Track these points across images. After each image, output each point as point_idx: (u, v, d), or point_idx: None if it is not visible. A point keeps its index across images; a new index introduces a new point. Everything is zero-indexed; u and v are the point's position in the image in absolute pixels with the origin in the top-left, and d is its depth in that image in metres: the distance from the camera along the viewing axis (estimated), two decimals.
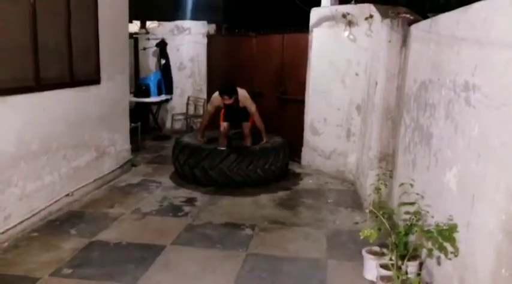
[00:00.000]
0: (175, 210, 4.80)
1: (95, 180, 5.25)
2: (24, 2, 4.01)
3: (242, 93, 5.87)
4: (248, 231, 4.27)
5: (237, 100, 5.79)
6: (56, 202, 4.52)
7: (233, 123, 6.18)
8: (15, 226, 3.94)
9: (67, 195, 4.71)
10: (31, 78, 4.12)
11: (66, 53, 4.66)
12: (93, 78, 5.19)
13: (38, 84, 4.20)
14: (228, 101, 5.74)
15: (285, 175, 6.03)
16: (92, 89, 5.16)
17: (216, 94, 5.90)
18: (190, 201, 5.08)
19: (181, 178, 5.80)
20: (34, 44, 4.12)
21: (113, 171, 5.69)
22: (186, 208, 4.84)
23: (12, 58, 3.93)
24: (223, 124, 6.12)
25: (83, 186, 5.00)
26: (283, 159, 5.89)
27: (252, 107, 5.89)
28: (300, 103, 6.60)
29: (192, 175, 5.61)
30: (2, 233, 3.79)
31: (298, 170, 6.45)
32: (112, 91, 5.59)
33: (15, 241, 3.86)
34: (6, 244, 3.79)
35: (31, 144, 4.13)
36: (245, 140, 6.11)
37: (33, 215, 4.18)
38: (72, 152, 4.78)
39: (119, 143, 5.87)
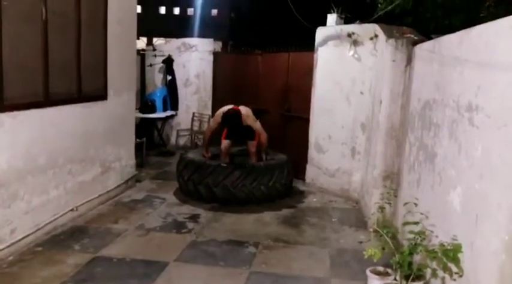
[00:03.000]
0: (178, 227, 4.80)
1: (99, 195, 5.27)
2: (37, 21, 4.11)
3: (245, 112, 5.84)
4: (251, 249, 4.26)
5: (240, 120, 5.78)
6: (60, 216, 4.53)
7: (237, 142, 6.17)
8: (21, 240, 3.95)
9: (72, 210, 4.73)
10: (40, 94, 4.19)
11: (75, 70, 4.74)
12: (100, 94, 5.26)
13: (47, 99, 4.26)
14: None
15: (289, 193, 6.03)
16: (99, 105, 5.23)
17: (220, 111, 5.91)
18: (194, 218, 5.08)
19: (185, 194, 5.81)
20: (45, 61, 4.20)
21: (117, 187, 5.72)
22: (190, 225, 4.85)
23: (23, 75, 4.00)
24: (224, 143, 6.08)
25: (87, 201, 5.02)
26: (288, 176, 5.89)
27: (255, 125, 5.87)
28: (305, 120, 6.64)
29: (196, 192, 5.62)
30: (8, 246, 3.80)
31: (302, 188, 6.45)
32: (118, 107, 5.66)
33: (20, 254, 3.87)
34: (11, 257, 3.80)
35: (38, 158, 4.18)
36: (250, 158, 6.07)
37: (38, 229, 4.19)
38: (78, 167, 4.82)
39: (124, 158, 5.91)
